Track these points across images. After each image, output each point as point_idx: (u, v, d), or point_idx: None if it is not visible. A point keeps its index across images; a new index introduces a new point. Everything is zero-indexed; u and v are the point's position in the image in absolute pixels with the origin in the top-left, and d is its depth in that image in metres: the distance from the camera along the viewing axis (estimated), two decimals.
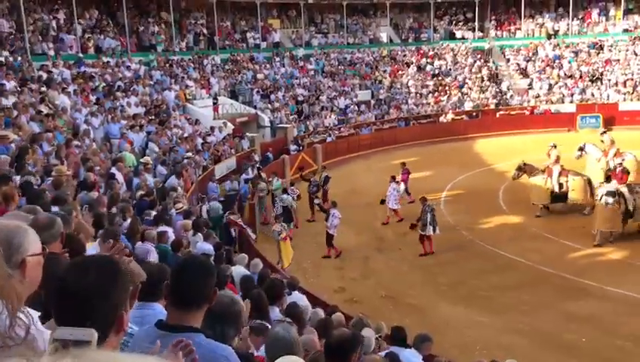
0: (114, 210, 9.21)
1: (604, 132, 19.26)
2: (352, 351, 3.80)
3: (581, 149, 18.28)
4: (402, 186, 18.77)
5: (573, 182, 17.08)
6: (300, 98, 28.24)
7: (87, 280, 1.67)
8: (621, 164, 16.48)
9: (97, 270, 1.72)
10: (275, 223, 14.99)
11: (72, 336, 1.15)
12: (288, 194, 17.06)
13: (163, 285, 2.69)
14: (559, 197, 17.15)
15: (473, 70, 32.47)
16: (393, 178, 18.19)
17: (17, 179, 9.09)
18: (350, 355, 3.77)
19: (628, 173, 15.93)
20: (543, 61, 32.63)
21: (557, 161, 17.49)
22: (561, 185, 17.06)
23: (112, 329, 1.70)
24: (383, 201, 17.69)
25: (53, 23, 22.24)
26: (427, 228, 15.03)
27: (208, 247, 9.76)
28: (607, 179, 15.86)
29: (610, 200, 14.69)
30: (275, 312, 5.84)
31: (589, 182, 17.02)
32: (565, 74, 31.59)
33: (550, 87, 31.26)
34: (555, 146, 17.89)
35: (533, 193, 17.50)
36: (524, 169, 17.84)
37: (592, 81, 30.77)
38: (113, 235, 6.09)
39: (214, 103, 23.53)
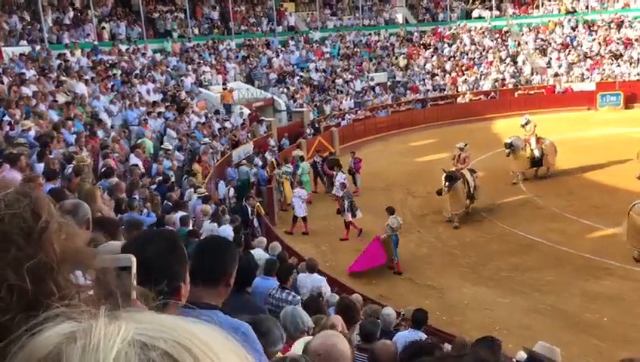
0: (137, 195, 9.31)
1: (527, 122, 19.28)
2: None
3: (509, 146, 18.44)
4: (357, 176, 18.67)
5: (546, 147, 18.71)
6: (316, 82, 28.15)
7: (149, 253, 1.76)
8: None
9: (158, 243, 1.81)
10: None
11: (112, 264, 1.18)
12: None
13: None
14: (537, 162, 18.76)
15: (491, 50, 32.05)
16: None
17: (41, 166, 9.24)
18: None
19: None
20: (561, 39, 32.10)
21: (533, 132, 18.89)
22: (540, 151, 18.64)
23: (171, 299, 1.75)
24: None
25: (70, 13, 22.39)
26: (345, 214, 15.40)
27: (229, 232, 9.84)
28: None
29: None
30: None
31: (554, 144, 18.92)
32: (585, 52, 31.06)
33: (569, 65, 30.78)
34: (529, 122, 19.20)
35: (513, 163, 18.60)
36: (512, 145, 18.56)
37: (612, 58, 30.22)
38: (137, 226, 6.17)
39: (224, 89, 23.58)
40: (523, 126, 19.36)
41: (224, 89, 23.45)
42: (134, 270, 1.21)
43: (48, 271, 0.88)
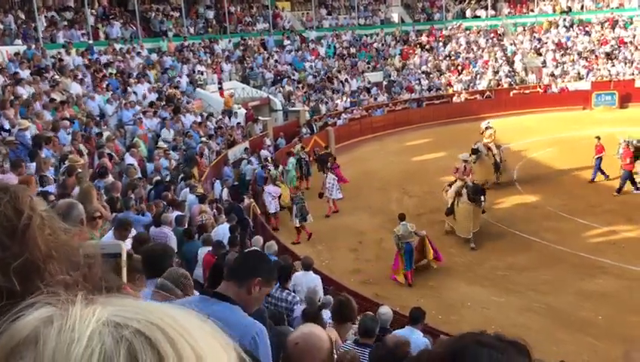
0: (132, 195, 9.29)
1: (487, 128, 18.90)
2: None
3: (476, 152, 17.69)
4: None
5: (503, 153, 18.61)
6: (311, 81, 28.14)
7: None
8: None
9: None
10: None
11: (101, 250, 1.19)
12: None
13: (167, 264, 3.51)
14: (497, 166, 18.23)
15: (486, 49, 32.11)
16: (332, 166, 17.94)
17: (32, 166, 9.23)
18: None
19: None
20: (556, 38, 32.17)
21: (493, 138, 18.55)
22: (500, 157, 18.29)
23: None
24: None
25: (65, 12, 22.34)
26: (294, 220, 15.23)
27: (226, 231, 9.85)
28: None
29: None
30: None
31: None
32: (579, 51, 31.13)
33: (564, 65, 30.85)
34: (489, 127, 18.73)
35: (477, 170, 17.20)
36: (478, 150, 17.94)
37: (607, 58, 30.30)
38: (127, 224, 6.16)
39: (219, 88, 23.58)
40: (482, 133, 18.80)
41: (220, 88, 23.46)
42: (124, 256, 1.22)
43: (35, 270, 0.87)
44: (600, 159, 17.72)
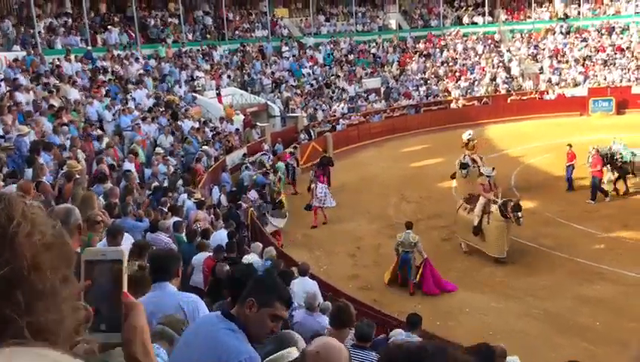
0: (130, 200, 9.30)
1: (471, 139, 18.49)
2: None
3: (466, 166, 17.25)
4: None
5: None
6: (310, 87, 28.20)
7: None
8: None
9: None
10: None
11: (102, 256, 1.21)
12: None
13: (173, 267, 3.98)
14: None
15: (484, 56, 32.23)
16: (317, 175, 17.42)
17: (29, 172, 9.23)
18: None
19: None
20: (553, 45, 32.31)
21: (475, 149, 18.04)
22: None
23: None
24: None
25: (63, 18, 22.40)
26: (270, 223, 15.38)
27: (224, 237, 9.86)
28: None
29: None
30: None
31: None
32: (576, 58, 31.26)
33: (561, 71, 30.98)
34: (472, 139, 18.25)
35: (465, 185, 16.99)
36: (468, 165, 17.62)
37: (603, 65, 30.43)
38: (117, 232, 6.17)
39: (217, 94, 23.64)
40: (465, 145, 18.16)
41: (218, 94, 23.51)
42: (125, 263, 1.23)
43: (18, 280, 0.85)
44: (572, 167, 17.79)
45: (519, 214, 13.28)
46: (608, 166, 17.16)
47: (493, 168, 15.88)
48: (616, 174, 17.31)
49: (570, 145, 18.09)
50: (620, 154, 17.17)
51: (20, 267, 0.86)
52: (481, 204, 13.93)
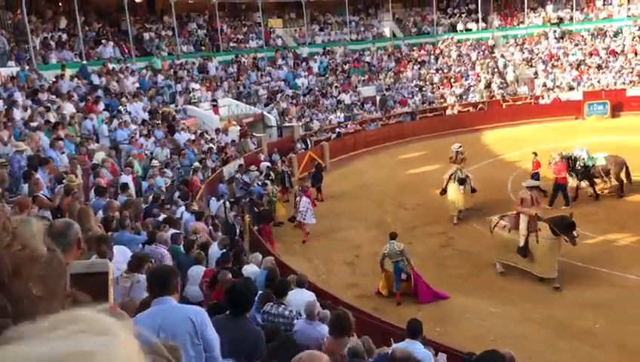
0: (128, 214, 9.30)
1: (460, 152, 18.56)
2: None
3: (463, 181, 16.71)
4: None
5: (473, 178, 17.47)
6: (305, 97, 28.27)
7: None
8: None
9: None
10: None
11: (88, 269, 1.23)
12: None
13: (174, 282, 4.04)
14: (473, 191, 17.23)
15: (478, 62, 32.37)
16: (304, 190, 17.18)
17: (25, 187, 9.24)
18: None
19: None
20: (547, 50, 32.47)
21: (464, 162, 18.08)
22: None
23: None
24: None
25: (58, 33, 22.46)
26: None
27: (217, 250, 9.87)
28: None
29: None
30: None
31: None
32: (570, 62, 31.42)
33: (555, 75, 31.11)
34: (461, 152, 18.34)
35: (461, 198, 16.75)
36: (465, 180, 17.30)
37: (597, 69, 30.59)
38: (104, 239, 6.19)
39: (214, 105, 23.69)
40: (454, 158, 18.03)
41: (214, 105, 23.57)
42: (111, 275, 1.25)
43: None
44: (537, 174, 17.78)
45: (574, 233, 12.27)
46: (572, 172, 17.23)
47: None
48: (581, 180, 17.33)
49: (535, 154, 18.25)
50: (584, 159, 17.30)
51: (2, 275, 0.89)
52: (525, 221, 12.87)
